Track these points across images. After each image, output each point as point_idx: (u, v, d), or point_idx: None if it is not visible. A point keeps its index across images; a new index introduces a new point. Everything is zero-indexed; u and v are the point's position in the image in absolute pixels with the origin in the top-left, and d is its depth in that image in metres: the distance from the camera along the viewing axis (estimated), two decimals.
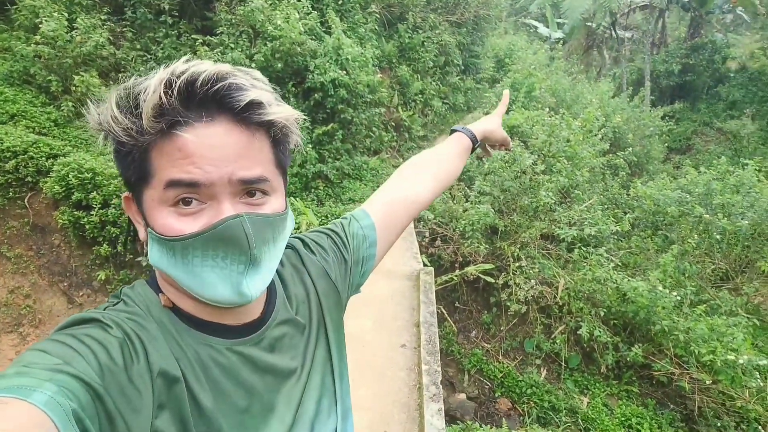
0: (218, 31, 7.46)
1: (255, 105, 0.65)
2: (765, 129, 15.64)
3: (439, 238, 6.53)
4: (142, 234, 0.72)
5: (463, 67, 11.94)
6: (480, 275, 5.77)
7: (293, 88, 7.56)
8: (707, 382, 4.52)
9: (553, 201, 6.23)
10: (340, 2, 9.14)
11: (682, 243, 6.16)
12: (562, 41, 18.29)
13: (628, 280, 5.23)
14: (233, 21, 7.48)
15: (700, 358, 4.43)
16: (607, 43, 20.92)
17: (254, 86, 0.66)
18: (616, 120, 9.53)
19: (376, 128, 8.93)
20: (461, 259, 6.02)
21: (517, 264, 5.77)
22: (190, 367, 0.69)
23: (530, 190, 6.33)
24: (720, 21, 23.85)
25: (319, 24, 8.29)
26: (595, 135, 7.76)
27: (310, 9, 8.34)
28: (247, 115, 0.65)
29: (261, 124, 0.67)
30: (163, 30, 7.38)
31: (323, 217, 7.19)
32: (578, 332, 4.98)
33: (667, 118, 13.16)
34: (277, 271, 0.89)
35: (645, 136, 11.11)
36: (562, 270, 5.81)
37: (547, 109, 8.06)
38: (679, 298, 4.93)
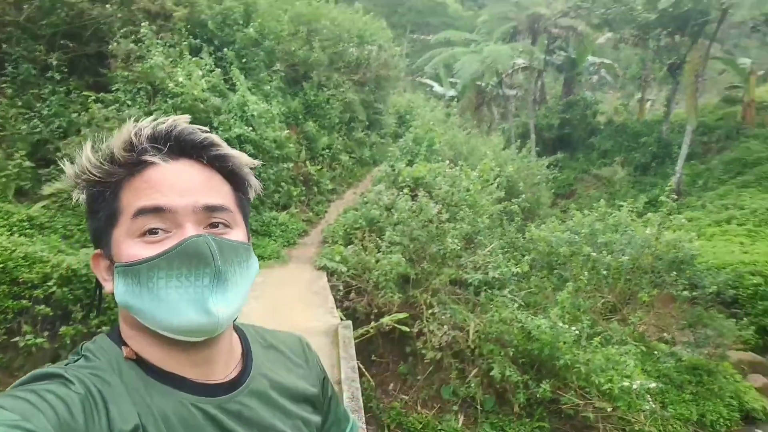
0: (114, 88, 7.15)
1: (210, 143, 0.74)
2: (632, 174, 17.83)
3: (353, 291, 6.52)
4: (108, 288, 0.73)
5: (367, 123, 12.41)
6: (395, 325, 5.82)
7: None
8: (608, 410, 4.86)
9: (459, 247, 6.53)
10: (243, 60, 9.22)
11: (575, 280, 6.70)
12: (455, 99, 19.74)
13: (532, 319, 5.54)
14: (130, 78, 7.22)
15: (600, 387, 4.76)
16: (496, 100, 22.94)
17: (208, 133, 0.75)
18: (509, 170, 10.35)
19: (284, 183, 8.91)
20: (376, 311, 6.03)
21: (429, 311, 5.90)
22: (153, 421, 0.67)
23: (437, 238, 6.60)
24: (588, 81, 27.32)
25: (222, 81, 8.28)
26: (492, 184, 8.36)
27: (213, 66, 8.32)
28: (204, 154, 0.73)
29: (217, 159, 0.74)
30: (50, 86, 6.91)
31: None
32: (491, 374, 5.14)
33: (551, 167, 14.55)
34: (270, 347, 0.91)
35: (534, 184, 12.13)
36: (471, 314, 6.03)
37: (447, 161, 8.58)
38: (577, 332, 5.31)
